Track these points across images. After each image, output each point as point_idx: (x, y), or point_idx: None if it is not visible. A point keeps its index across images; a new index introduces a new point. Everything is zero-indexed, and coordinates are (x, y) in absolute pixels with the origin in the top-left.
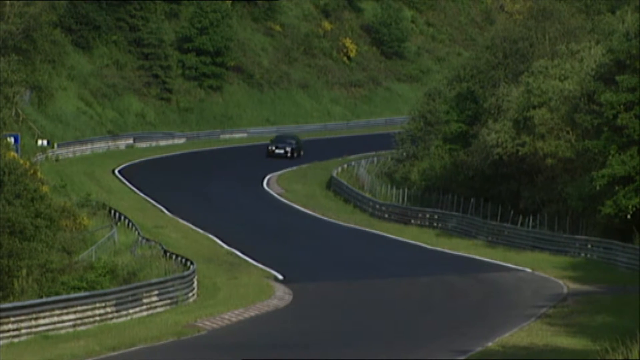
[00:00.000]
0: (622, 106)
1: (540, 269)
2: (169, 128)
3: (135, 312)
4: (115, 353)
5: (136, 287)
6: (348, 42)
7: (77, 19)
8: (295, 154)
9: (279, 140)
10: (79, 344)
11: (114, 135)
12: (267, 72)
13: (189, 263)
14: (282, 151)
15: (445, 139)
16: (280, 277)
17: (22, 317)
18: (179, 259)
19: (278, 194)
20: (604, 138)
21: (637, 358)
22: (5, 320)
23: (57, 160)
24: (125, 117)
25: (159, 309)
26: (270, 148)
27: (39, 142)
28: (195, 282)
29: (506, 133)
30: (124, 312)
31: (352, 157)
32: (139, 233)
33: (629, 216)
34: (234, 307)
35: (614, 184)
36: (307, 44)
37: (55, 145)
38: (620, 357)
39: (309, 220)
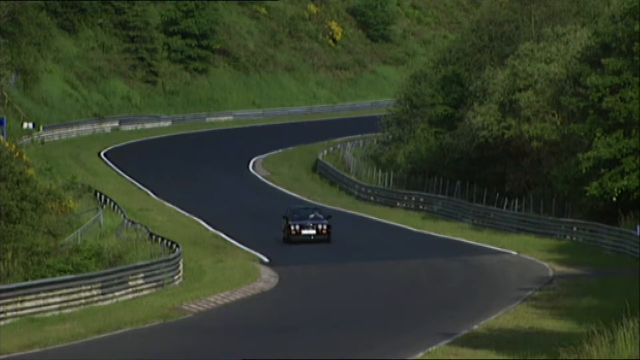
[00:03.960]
0: (607, 89)
1: (526, 252)
2: (154, 111)
3: (121, 295)
4: (101, 336)
5: (122, 270)
6: (334, 25)
7: (62, 2)
8: (330, 234)
9: (303, 215)
10: (65, 327)
11: (99, 118)
12: (253, 55)
13: (174, 246)
14: (312, 231)
15: (431, 122)
16: (266, 260)
17: (8, 300)
18: (165, 241)
19: (264, 177)
20: (589, 121)
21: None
22: None
23: (42, 143)
24: (111, 100)
25: (144, 292)
26: (293, 228)
27: (25, 124)
28: (181, 265)
29: (492, 116)
30: (110, 295)
31: (338, 139)
32: (124, 216)
33: (614, 199)
34: (219, 290)
35: (599, 167)
36: (293, 27)
37: (41, 128)
38: (606, 340)
39: (295, 203)
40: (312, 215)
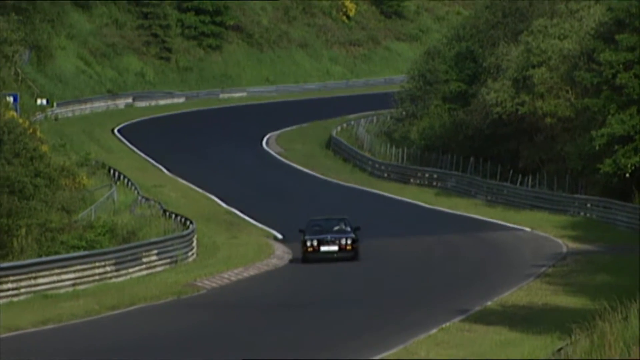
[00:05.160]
0: (621, 65)
1: (540, 228)
2: (168, 87)
3: (135, 272)
4: (115, 312)
5: (135, 247)
6: (347, 1)
7: None
8: (357, 249)
9: (325, 227)
10: (79, 303)
11: (113, 95)
12: (267, 31)
13: (188, 222)
14: (334, 247)
15: (445, 99)
16: (279, 236)
17: (22, 276)
18: (179, 218)
19: (277, 154)
20: (603, 97)
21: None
22: (5, 279)
23: (56, 119)
24: (124, 76)
25: (158, 268)
26: (309, 244)
27: (38, 101)
28: (195, 242)
29: (505, 92)
30: (124, 272)
31: (352, 116)
32: (138, 192)
33: (628, 175)
34: (233, 267)
35: (613, 143)
36: (307, 3)
37: (55, 104)
38: (619, 316)
39: (308, 179)
40: (336, 228)
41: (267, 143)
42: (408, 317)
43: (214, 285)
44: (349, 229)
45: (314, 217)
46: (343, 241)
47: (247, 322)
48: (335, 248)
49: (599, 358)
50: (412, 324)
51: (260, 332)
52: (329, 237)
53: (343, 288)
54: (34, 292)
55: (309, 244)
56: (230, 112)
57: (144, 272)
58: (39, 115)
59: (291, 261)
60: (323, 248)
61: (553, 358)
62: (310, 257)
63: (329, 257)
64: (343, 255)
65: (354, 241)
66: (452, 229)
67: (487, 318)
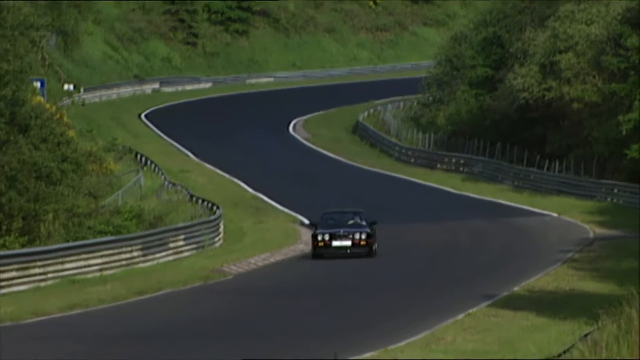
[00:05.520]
0: None
1: (567, 214)
2: (195, 72)
3: (162, 257)
4: (142, 297)
5: (162, 232)
6: None
7: None
8: (372, 245)
9: (339, 221)
10: (105, 288)
11: (140, 80)
12: (293, 16)
13: (215, 207)
14: (347, 243)
15: (472, 84)
16: (306, 221)
17: (49, 262)
18: (205, 203)
19: (304, 139)
20: (630, 82)
21: None
22: (32, 264)
23: (83, 104)
24: (151, 61)
25: (185, 254)
26: (320, 238)
27: (65, 86)
28: (222, 227)
29: (532, 77)
30: (151, 257)
31: (379, 101)
32: (165, 177)
33: None
34: (260, 252)
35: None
36: None
37: (82, 89)
38: None
39: (334, 164)
40: (350, 222)
41: (293, 128)
42: (435, 302)
43: (240, 270)
44: (364, 223)
45: (327, 209)
46: (357, 236)
47: (273, 308)
48: (348, 243)
49: (626, 343)
50: (438, 309)
51: (286, 318)
52: (341, 231)
53: (369, 274)
54: (61, 277)
55: (319, 238)
56: (257, 98)
57: (171, 258)
58: (66, 101)
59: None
60: (335, 243)
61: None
62: (321, 252)
63: (341, 252)
64: (357, 251)
65: (368, 236)
66: (479, 214)
67: (514, 303)
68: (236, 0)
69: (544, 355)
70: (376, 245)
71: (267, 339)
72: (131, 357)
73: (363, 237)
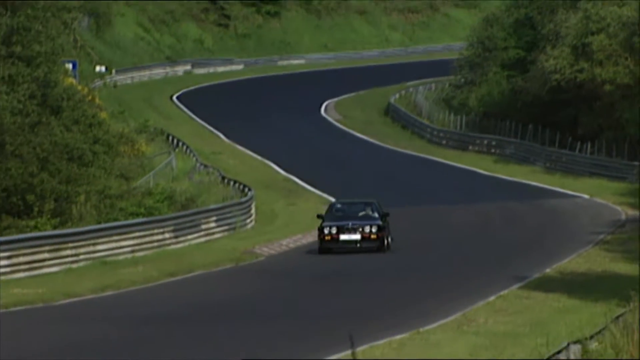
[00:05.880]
0: None
1: (598, 195)
2: (226, 54)
3: (194, 238)
4: (174, 279)
5: (194, 213)
6: None
7: None
8: (383, 238)
9: (348, 213)
10: (137, 270)
11: (172, 62)
12: None
13: (246, 189)
14: (356, 236)
15: (503, 65)
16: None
17: (81, 243)
18: (237, 185)
19: (335, 121)
20: None
21: None
22: (64, 246)
23: (115, 86)
24: (183, 43)
25: (216, 235)
26: (327, 231)
27: (97, 68)
28: (253, 208)
29: (564, 59)
30: (182, 238)
31: (410, 83)
32: (196, 159)
33: None
34: (291, 233)
35: None
36: None
37: (113, 71)
38: None
39: (366, 146)
40: (361, 213)
41: (325, 110)
42: (466, 284)
43: (272, 252)
44: (376, 214)
45: (338, 199)
46: (367, 229)
47: (304, 290)
48: (357, 237)
49: None
50: (470, 291)
51: (317, 300)
52: (350, 224)
53: (400, 256)
54: (93, 258)
55: (326, 231)
56: (288, 79)
57: (203, 239)
58: (98, 82)
59: None
60: (343, 237)
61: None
62: (327, 247)
63: (349, 247)
64: (367, 246)
65: (380, 229)
66: (511, 196)
67: (545, 285)
68: None
69: (575, 337)
70: (390, 238)
71: (298, 320)
72: (163, 339)
73: (374, 230)
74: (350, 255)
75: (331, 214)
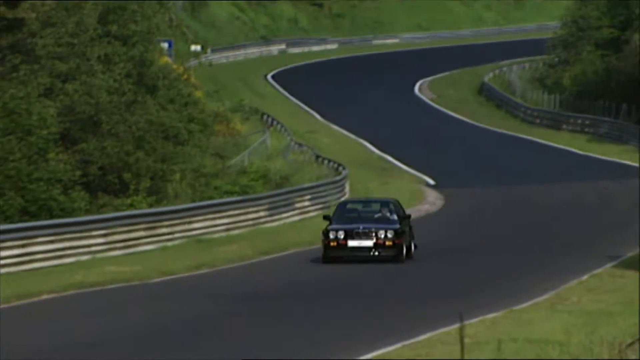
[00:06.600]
0: None
1: None
2: (321, 34)
3: (288, 217)
4: (268, 257)
5: (288, 192)
6: None
7: None
8: (401, 245)
9: (362, 215)
10: (232, 248)
11: (266, 41)
12: None
13: (340, 168)
14: (368, 242)
15: (597, 45)
16: (431, 182)
17: (176, 221)
18: (331, 163)
19: (429, 100)
20: None
21: None
22: (159, 224)
23: (210, 65)
24: (277, 22)
25: (311, 214)
26: (332, 236)
27: (192, 47)
28: (347, 187)
29: None
30: (277, 217)
31: (504, 62)
32: (291, 138)
33: None
34: None
35: None
36: None
37: (209, 50)
38: None
39: (460, 125)
40: (377, 215)
41: (419, 89)
42: (559, 263)
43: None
44: (395, 217)
45: (348, 199)
46: (381, 234)
47: (397, 269)
48: (369, 243)
49: None
50: (563, 270)
51: (409, 279)
52: (360, 227)
53: (494, 235)
54: (188, 237)
55: (332, 236)
56: (382, 59)
57: (297, 218)
58: (193, 62)
59: (442, 209)
60: (352, 243)
61: None
62: (334, 254)
63: (361, 255)
64: (381, 254)
65: (397, 234)
66: (604, 175)
67: (639, 264)
68: None
69: None
70: (413, 245)
71: (389, 298)
72: (257, 317)
73: (389, 235)
74: (447, 233)
75: (340, 216)
